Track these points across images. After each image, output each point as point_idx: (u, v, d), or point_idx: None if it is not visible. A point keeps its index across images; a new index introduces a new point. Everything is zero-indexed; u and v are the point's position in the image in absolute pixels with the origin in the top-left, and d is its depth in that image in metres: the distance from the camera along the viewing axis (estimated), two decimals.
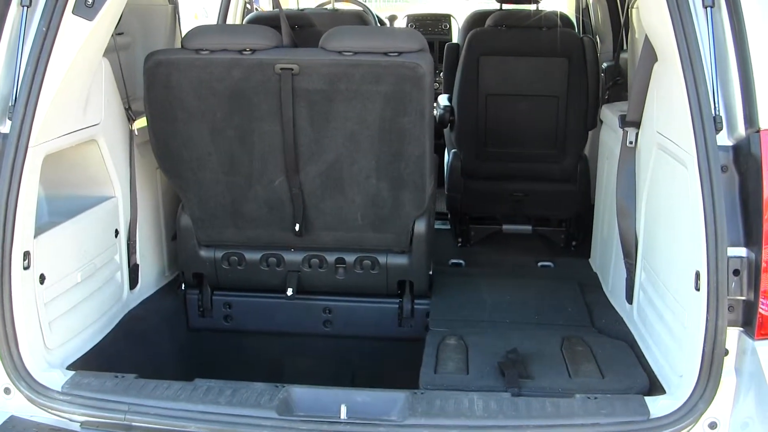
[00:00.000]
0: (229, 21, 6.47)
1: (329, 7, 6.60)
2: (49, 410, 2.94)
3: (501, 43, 5.33)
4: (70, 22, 3.03)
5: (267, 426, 2.84)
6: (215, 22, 6.49)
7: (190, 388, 2.99)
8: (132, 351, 3.53)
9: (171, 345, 3.89)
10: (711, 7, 2.83)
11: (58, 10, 2.98)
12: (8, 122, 2.92)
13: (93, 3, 3.09)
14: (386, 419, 2.85)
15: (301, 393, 2.96)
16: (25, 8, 2.97)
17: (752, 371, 2.76)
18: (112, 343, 3.53)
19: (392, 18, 8.89)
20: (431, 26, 9.10)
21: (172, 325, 3.98)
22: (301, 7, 6.26)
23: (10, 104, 2.93)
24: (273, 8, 7.61)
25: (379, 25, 7.53)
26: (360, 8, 7.21)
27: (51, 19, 2.97)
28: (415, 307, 3.98)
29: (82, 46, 3.09)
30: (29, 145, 2.91)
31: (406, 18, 9.38)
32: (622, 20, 5.79)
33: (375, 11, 7.62)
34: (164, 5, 4.44)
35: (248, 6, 6.74)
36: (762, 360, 2.74)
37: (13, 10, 2.98)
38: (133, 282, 3.87)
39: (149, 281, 4.05)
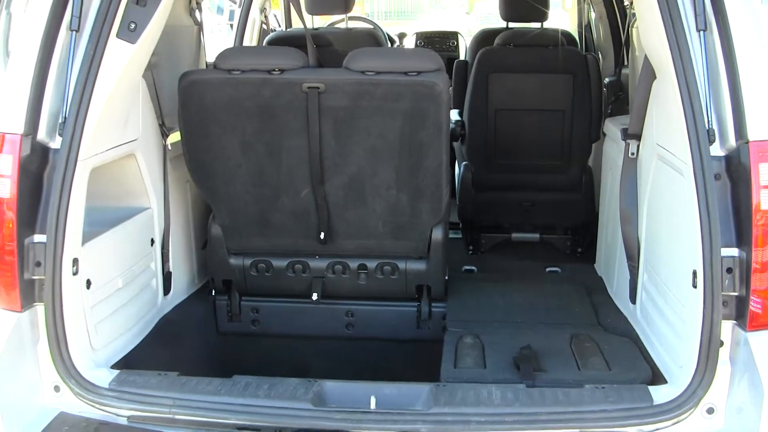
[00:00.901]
0: (246, 40, 6.69)
1: (342, 25, 6.82)
2: (98, 406, 3.12)
3: (509, 61, 5.49)
4: (114, 45, 3.23)
5: (304, 416, 3.04)
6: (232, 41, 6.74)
7: (229, 384, 3.18)
8: (167, 353, 3.70)
9: (202, 348, 4.07)
10: (704, 30, 3.01)
11: (104, 34, 3.17)
12: (59, 138, 3.11)
13: (135, 27, 3.29)
14: (412, 409, 3.05)
15: (333, 386, 3.16)
16: (74, 33, 3.15)
17: (745, 360, 2.94)
18: (149, 346, 3.72)
19: (401, 35, 9.04)
20: (439, 43, 9.28)
21: (202, 329, 4.17)
22: (315, 25, 6.47)
23: (60, 121, 3.10)
24: (285, 28, 7.85)
25: (388, 41, 7.74)
26: (371, 26, 7.45)
27: (97, 42, 3.16)
28: (433, 310, 4.16)
29: (125, 67, 3.29)
30: (78, 159, 3.10)
31: (415, 35, 9.54)
32: (623, 38, 5.94)
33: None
34: (190, 26, 4.64)
35: (264, 26, 6.94)
36: (754, 350, 2.91)
37: (63, 35, 3.16)
38: (167, 289, 4.07)
39: (180, 288, 4.25)
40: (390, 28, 8.66)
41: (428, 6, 54.98)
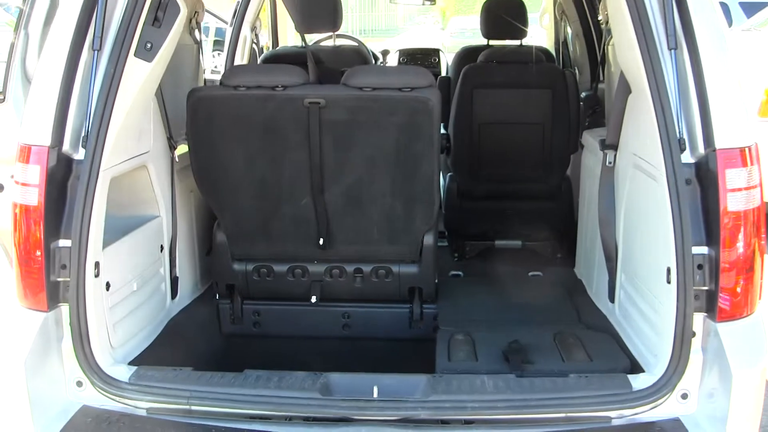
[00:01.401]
0: (237, 59, 6.91)
1: (329, 42, 7.04)
2: (119, 399, 3.31)
3: (492, 77, 5.69)
4: (132, 63, 3.44)
5: (313, 405, 3.25)
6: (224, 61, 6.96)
7: (241, 377, 3.38)
8: (178, 352, 3.88)
9: (209, 348, 4.25)
10: (675, 49, 3.23)
11: (123, 53, 3.37)
12: (82, 150, 3.31)
13: (151, 47, 3.52)
14: (412, 397, 3.26)
15: (338, 378, 3.37)
16: (96, 52, 3.34)
17: (715, 349, 3.16)
18: (161, 345, 3.92)
19: (385, 52, 9.25)
20: (421, 60, 9.50)
21: (207, 330, 4.36)
22: (303, 44, 6.69)
23: (83, 135, 3.30)
24: (273, 46, 8.07)
25: (372, 58, 7.96)
26: (356, 43, 7.68)
27: (117, 61, 3.35)
28: (424, 311, 4.35)
29: (142, 84, 3.52)
30: (100, 170, 3.29)
31: (398, 52, 9.76)
32: (599, 55, 6.14)
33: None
34: (191, 45, 4.86)
35: (254, 45, 7.16)
36: (723, 339, 3.15)
37: (85, 54, 3.36)
38: (174, 293, 4.29)
39: (186, 292, 4.47)
40: (369, 44, 8.85)
41: (402, 22, 55.13)
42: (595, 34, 6.42)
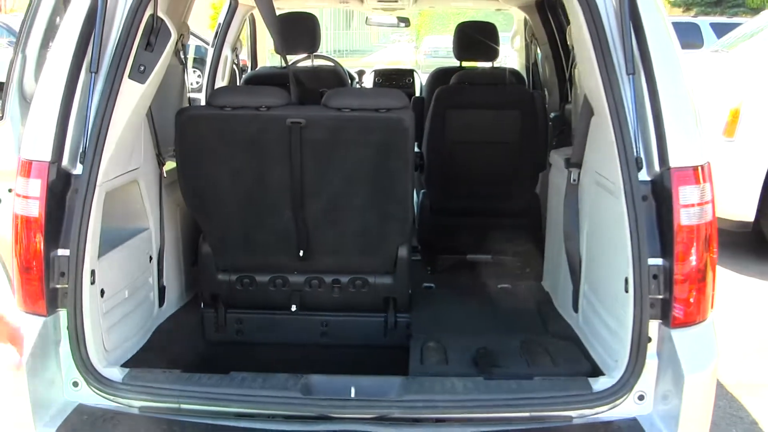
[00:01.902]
0: (218, 79, 7.11)
1: (307, 62, 7.27)
2: (112, 398, 3.49)
3: (464, 99, 5.90)
4: (127, 85, 3.62)
5: (295, 404, 3.44)
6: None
7: (227, 378, 3.57)
8: (165, 356, 4.06)
9: (193, 353, 4.42)
10: (633, 74, 3.42)
11: (119, 75, 3.56)
12: (80, 165, 3.48)
13: (144, 69, 3.70)
14: (387, 397, 3.46)
15: (318, 379, 3.55)
16: (93, 74, 3.52)
17: (669, 354, 3.37)
18: (150, 350, 4.11)
19: (360, 73, 9.36)
20: (396, 80, 9.73)
21: (193, 337, 4.54)
22: (283, 64, 6.89)
23: (81, 151, 3.48)
24: (252, 67, 8.28)
25: (349, 79, 8.19)
26: (332, 64, 7.90)
27: (113, 82, 3.53)
28: (398, 320, 4.54)
29: (135, 104, 3.70)
30: (96, 184, 3.47)
31: (374, 73, 9.94)
32: (567, 77, 6.38)
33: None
34: (177, 66, 5.07)
35: (235, 65, 7.36)
36: (676, 345, 3.35)
37: (83, 76, 3.54)
38: (161, 301, 4.48)
39: (172, 301, 4.66)
40: (345, 64, 9.05)
41: (377, 40, 55.31)
42: (563, 57, 6.64)
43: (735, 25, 18.56)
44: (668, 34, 3.55)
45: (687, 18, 26.92)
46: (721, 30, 20.25)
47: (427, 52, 43.13)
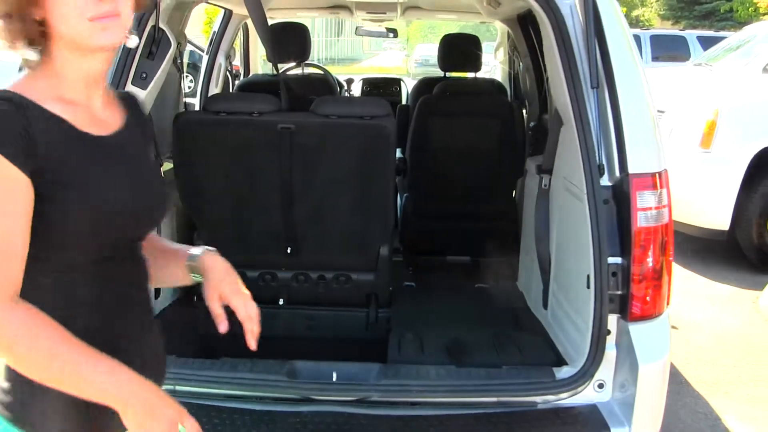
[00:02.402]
0: (212, 85, 7.34)
1: (298, 70, 7.53)
2: None
3: (447, 107, 6.15)
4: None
5: (281, 386, 3.70)
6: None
7: (219, 363, 3.80)
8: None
9: (186, 344, 4.53)
10: (596, 88, 3.68)
11: (123, 82, 3.81)
12: None
13: (146, 76, 3.93)
14: (366, 382, 3.72)
15: (302, 365, 3.79)
16: None
17: (627, 345, 3.59)
18: None
19: (349, 81, 9.53)
20: (383, 88, 9.94)
21: (186, 330, 4.65)
22: (274, 72, 7.12)
23: None
24: (244, 74, 8.52)
25: (338, 86, 8.45)
26: (322, 72, 8.16)
27: (117, 88, 3.81)
28: (379, 315, 4.76)
29: None
30: None
31: (362, 81, 10.15)
32: (545, 89, 6.62)
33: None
34: (174, 73, 5.28)
35: (228, 72, 7.59)
36: (633, 337, 3.58)
37: None
38: (156, 294, 4.66)
39: (166, 296, 4.87)
40: (335, 72, 9.22)
41: (368, 48, 55.57)
42: (543, 69, 6.85)
43: (721, 38, 18.89)
44: (630, 51, 3.82)
45: (675, 31, 27.23)
46: (707, 43, 20.55)
47: (418, 60, 43.37)
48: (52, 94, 1.97)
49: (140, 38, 3.92)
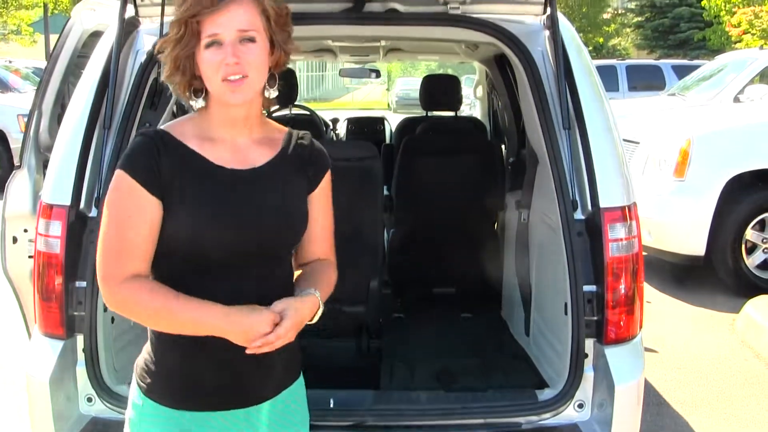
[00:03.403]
0: None
1: (285, 111, 7.79)
2: (123, 411, 3.80)
3: (429, 146, 6.38)
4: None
5: None
6: None
7: None
8: None
9: None
10: (569, 129, 3.94)
11: (128, 131, 4.02)
12: (95, 209, 3.91)
13: (149, 126, 4.05)
14: (361, 407, 3.92)
15: None
16: (106, 129, 4.00)
17: (603, 367, 3.79)
18: None
19: (334, 121, 9.83)
20: (367, 127, 10.18)
21: None
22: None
23: (96, 197, 3.92)
24: None
25: (323, 125, 8.70)
26: (308, 113, 8.43)
27: (123, 137, 3.98)
28: (370, 345, 4.95)
29: None
30: None
31: (347, 121, 10.33)
32: (522, 125, 6.87)
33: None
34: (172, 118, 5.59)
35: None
36: (609, 360, 3.79)
37: (97, 131, 4.02)
38: None
39: None
40: (321, 106, 9.42)
41: (350, 82, 55.87)
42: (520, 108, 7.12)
43: (695, 67, 19.33)
44: (599, 93, 4.12)
45: (650, 61, 27.65)
46: (682, 72, 20.96)
47: (399, 94, 43.75)
48: (196, 133, 2.51)
49: (143, 91, 4.17)
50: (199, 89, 2.50)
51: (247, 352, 2.46)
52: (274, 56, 2.55)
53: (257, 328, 2.43)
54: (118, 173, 2.47)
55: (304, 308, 2.61)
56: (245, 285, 2.54)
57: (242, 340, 2.44)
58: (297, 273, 2.78)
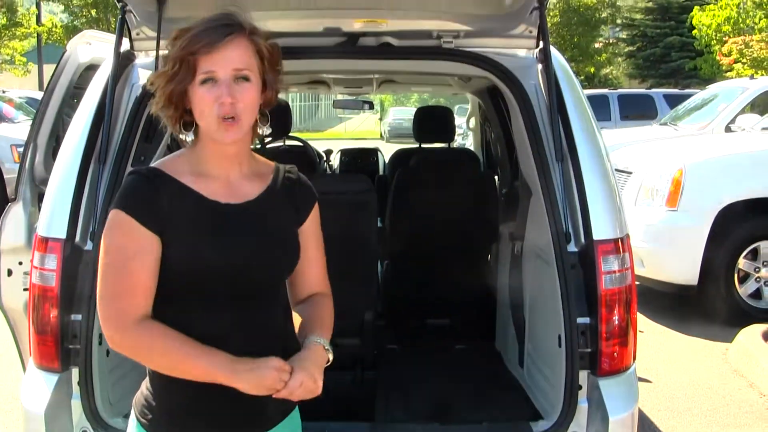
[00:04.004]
0: None
1: (279, 142, 7.82)
2: None
3: (423, 179, 6.40)
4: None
5: None
6: None
7: None
8: None
9: None
10: (561, 161, 3.98)
11: (123, 165, 4.04)
12: (90, 242, 3.95)
13: (144, 159, 4.14)
14: None
15: None
16: (101, 164, 4.03)
17: (597, 399, 3.81)
18: None
19: (328, 152, 9.86)
20: (361, 158, 10.17)
21: None
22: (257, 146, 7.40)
23: (91, 230, 3.94)
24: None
25: (317, 157, 8.74)
26: (302, 144, 8.46)
27: (118, 172, 4.01)
28: (365, 377, 4.96)
29: None
30: None
31: (340, 152, 10.36)
32: (515, 156, 6.90)
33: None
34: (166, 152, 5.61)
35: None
36: (603, 391, 3.82)
37: (92, 166, 4.05)
38: None
39: None
40: (314, 136, 9.46)
41: (343, 111, 56.07)
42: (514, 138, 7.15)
43: (687, 96, 19.43)
44: (591, 125, 4.16)
45: (641, 90, 27.79)
46: (673, 101, 21.06)
47: (392, 124, 43.94)
48: (189, 169, 2.55)
49: (139, 124, 4.19)
50: (189, 123, 2.56)
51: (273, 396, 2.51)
52: (266, 95, 2.61)
53: (267, 383, 2.46)
54: (114, 212, 2.50)
55: (309, 358, 2.65)
56: (246, 316, 2.58)
57: (254, 392, 2.47)
58: (296, 317, 2.83)
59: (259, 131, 2.67)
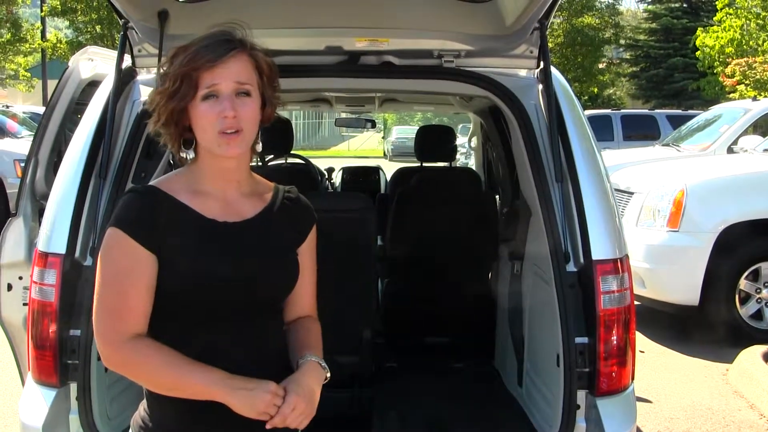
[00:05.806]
0: None
1: (280, 161, 7.84)
2: None
3: (424, 198, 6.42)
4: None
5: None
6: None
7: None
8: None
9: None
10: (561, 182, 3.99)
11: (123, 181, 4.07)
12: (89, 258, 3.94)
13: (145, 176, 4.18)
14: None
15: None
16: (102, 180, 4.04)
17: (595, 419, 3.81)
18: None
19: (330, 170, 9.87)
20: (362, 176, 10.22)
21: None
22: (258, 164, 7.41)
23: (90, 246, 3.94)
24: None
25: (319, 174, 8.77)
26: (304, 162, 8.49)
27: (118, 187, 4.02)
28: (363, 394, 4.97)
29: None
30: None
31: (342, 170, 10.40)
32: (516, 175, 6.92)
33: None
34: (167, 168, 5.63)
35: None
36: (601, 411, 3.82)
37: (93, 182, 4.06)
38: None
39: None
40: (317, 153, 9.49)
41: (346, 129, 56.15)
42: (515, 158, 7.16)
43: (689, 117, 19.47)
44: (591, 146, 4.18)
45: (644, 111, 27.82)
46: (676, 122, 21.11)
47: (395, 142, 44.04)
48: (187, 188, 2.57)
49: (140, 140, 4.21)
50: (189, 140, 2.58)
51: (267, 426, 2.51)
52: (265, 111, 2.65)
53: (259, 407, 2.46)
54: (111, 231, 2.51)
55: (304, 379, 2.67)
56: (244, 335, 2.59)
57: (246, 413, 2.46)
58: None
59: (256, 148, 2.69)
